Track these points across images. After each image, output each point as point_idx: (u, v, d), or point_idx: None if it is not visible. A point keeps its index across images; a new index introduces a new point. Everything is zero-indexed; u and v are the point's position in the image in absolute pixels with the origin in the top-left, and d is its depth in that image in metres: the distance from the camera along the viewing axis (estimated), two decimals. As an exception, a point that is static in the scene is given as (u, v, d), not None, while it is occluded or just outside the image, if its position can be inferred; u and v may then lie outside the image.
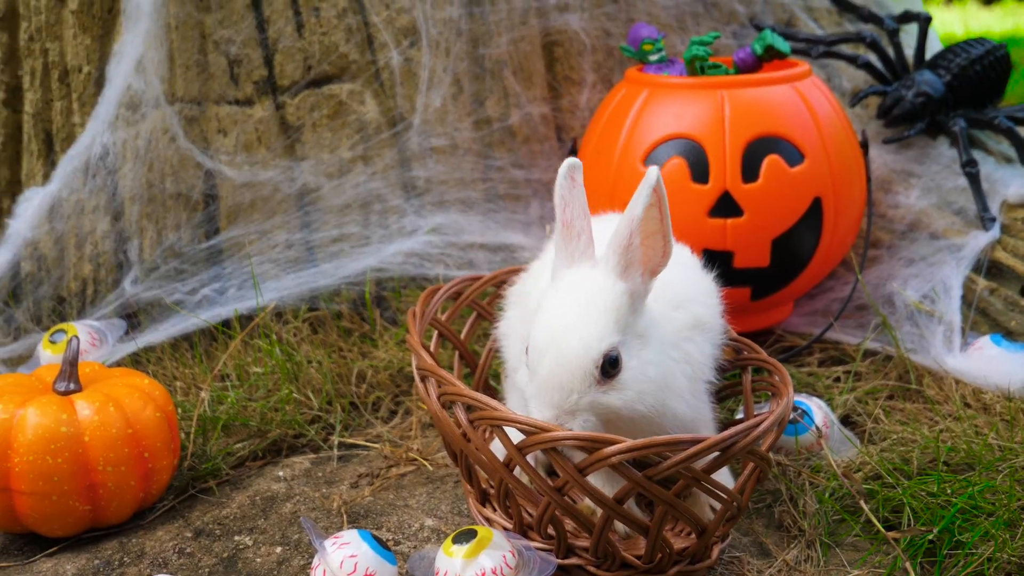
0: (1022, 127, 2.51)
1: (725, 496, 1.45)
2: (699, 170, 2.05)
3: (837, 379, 2.15)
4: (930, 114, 2.53)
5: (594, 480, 1.50)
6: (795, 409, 1.88)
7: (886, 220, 2.48)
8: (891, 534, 1.57)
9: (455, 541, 1.45)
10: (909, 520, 1.62)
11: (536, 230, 2.42)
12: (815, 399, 1.94)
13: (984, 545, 1.52)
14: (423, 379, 1.60)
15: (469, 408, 1.50)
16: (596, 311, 1.42)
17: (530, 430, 1.39)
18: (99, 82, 2.25)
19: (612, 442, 1.35)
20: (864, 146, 2.30)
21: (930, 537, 1.56)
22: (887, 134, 2.57)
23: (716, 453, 1.38)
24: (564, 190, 1.45)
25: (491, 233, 2.36)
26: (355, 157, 2.34)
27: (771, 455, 1.82)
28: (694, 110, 2.08)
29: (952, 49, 2.60)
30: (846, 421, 2.01)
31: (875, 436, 1.94)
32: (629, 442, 1.34)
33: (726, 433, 1.36)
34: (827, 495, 1.72)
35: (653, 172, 1.39)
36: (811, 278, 2.20)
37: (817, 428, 1.85)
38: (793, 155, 2.06)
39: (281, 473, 1.90)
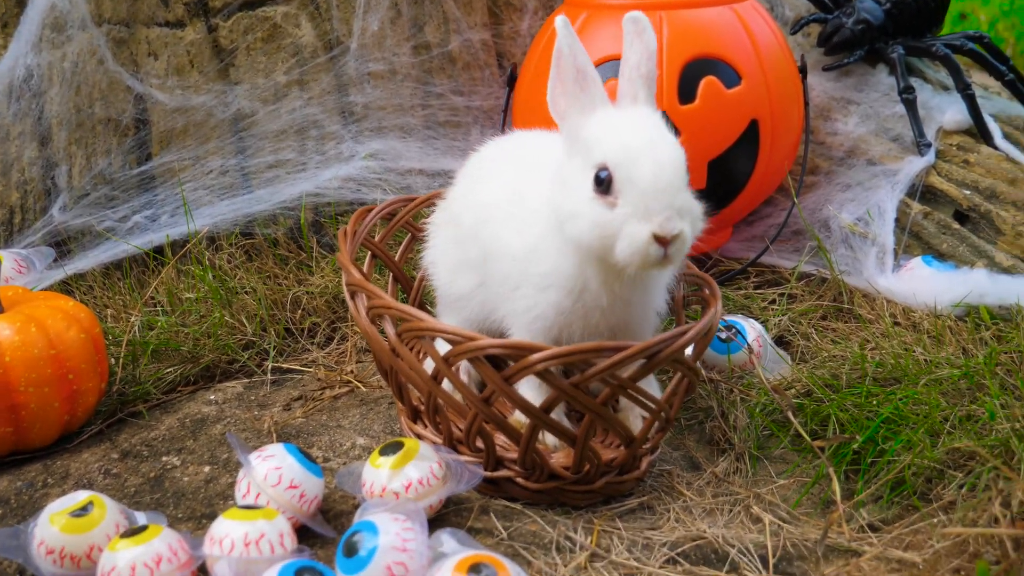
0: (959, 54, 2.52)
1: (653, 405, 1.45)
2: (635, 91, 2.03)
3: (773, 301, 2.16)
4: (869, 42, 2.53)
5: (527, 393, 1.50)
6: (729, 328, 1.89)
7: (824, 147, 2.48)
8: (817, 442, 1.58)
9: (382, 453, 1.45)
10: (835, 430, 1.64)
11: (475, 157, 2.40)
12: (750, 320, 1.95)
13: (906, 453, 1.54)
14: (352, 295, 1.59)
15: (399, 324, 1.49)
16: (666, 131, 1.43)
17: (456, 339, 1.39)
18: (21, 1, 2.18)
19: (537, 349, 1.34)
20: (803, 71, 2.30)
21: (855, 446, 1.58)
22: (828, 62, 2.57)
23: (642, 361, 1.38)
24: (569, 39, 1.40)
25: (430, 159, 2.33)
26: (291, 82, 2.29)
27: (700, 368, 1.85)
28: (631, 31, 2.05)
29: (893, -23, 2.60)
30: (780, 341, 2.03)
31: (807, 354, 1.95)
32: (554, 349, 1.34)
33: (651, 340, 1.36)
34: (757, 410, 1.74)
35: (642, 15, 1.46)
36: (748, 202, 2.20)
37: (749, 346, 1.86)
38: (730, 76, 2.05)
39: (213, 397, 1.88)
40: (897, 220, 2.25)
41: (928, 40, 2.53)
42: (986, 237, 2.22)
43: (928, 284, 2.04)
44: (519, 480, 1.51)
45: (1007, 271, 2.10)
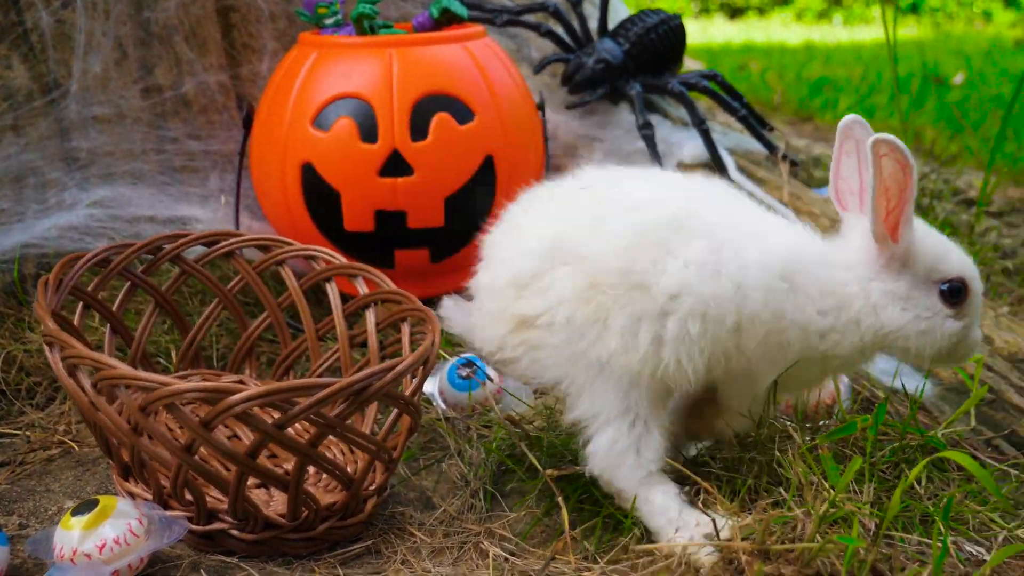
0: (695, 92, 2.61)
1: (369, 444, 1.40)
2: (368, 129, 2.00)
3: (519, 337, 2.15)
4: (610, 80, 2.59)
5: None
6: (469, 365, 1.86)
7: (572, 184, 2.51)
8: (548, 472, 1.56)
9: (74, 513, 1.34)
10: (571, 460, 1.62)
11: (214, 203, 2.31)
12: (492, 357, 1.93)
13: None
14: (50, 346, 1.47)
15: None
16: None
17: (151, 386, 1.30)
18: None
19: (235, 391, 1.27)
20: (541, 108, 2.32)
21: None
22: (572, 100, 2.61)
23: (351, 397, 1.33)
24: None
25: (163, 206, 2.22)
26: (4, 127, 2.14)
27: (438, 403, 1.81)
28: (362, 69, 2.03)
29: (630, 19, 2.68)
30: (524, 376, 2.01)
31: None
32: (253, 389, 1.27)
33: (359, 375, 1.31)
34: (494, 445, 1.71)
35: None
36: (492, 239, 2.19)
37: (490, 379, 1.84)
38: (463, 113, 2.04)
39: (-97, 471, 1.71)
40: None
41: (666, 78, 2.61)
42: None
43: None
44: (233, 532, 1.42)
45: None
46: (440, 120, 2.01)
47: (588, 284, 1.38)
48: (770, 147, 2.68)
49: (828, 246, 1.50)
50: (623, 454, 1.42)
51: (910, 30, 10.96)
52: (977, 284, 1.47)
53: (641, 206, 1.42)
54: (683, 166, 2.51)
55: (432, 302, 2.19)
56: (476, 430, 1.77)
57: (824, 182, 3.14)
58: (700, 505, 1.42)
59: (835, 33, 10.57)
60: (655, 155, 2.44)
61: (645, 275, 1.37)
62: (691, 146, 2.52)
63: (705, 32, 10.03)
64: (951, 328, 1.45)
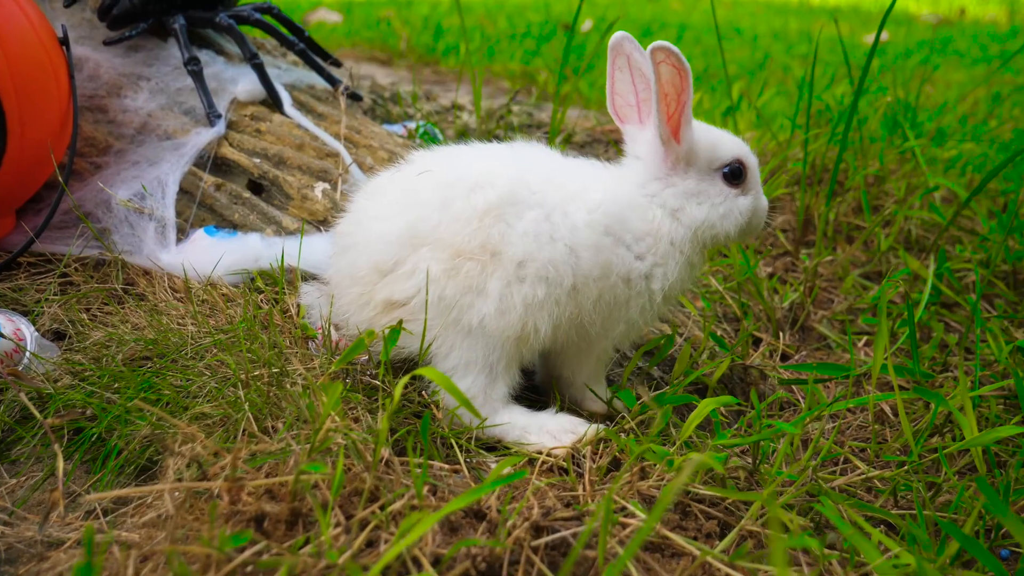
0: (247, 26, 2.52)
1: None
2: None
3: (57, 291, 1.99)
4: (153, 14, 2.45)
5: None
6: (-26, 324, 1.69)
7: (116, 124, 2.35)
8: (48, 421, 1.45)
9: None
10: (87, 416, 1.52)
11: None
12: (11, 313, 1.77)
13: (138, 429, 1.46)
14: None
15: None
16: None
17: None
18: None
19: None
20: (64, 42, 2.14)
21: (99, 431, 1.47)
22: (112, 36, 2.44)
23: None
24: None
25: None
26: None
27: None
28: None
29: (175, -52, 2.53)
30: (55, 332, 1.87)
31: (80, 342, 1.81)
32: None
33: None
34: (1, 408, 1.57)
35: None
36: (14, 186, 2.01)
37: (3, 337, 1.69)
38: (-44, 47, 1.84)
39: None
40: (190, 193, 2.19)
41: (217, 12, 2.50)
42: (278, 204, 2.23)
43: (208, 254, 1.99)
44: None
45: (293, 234, 2.11)
46: (-74, 56, 1.80)
47: (452, 256, 1.43)
48: (331, 81, 2.64)
49: (622, 172, 1.60)
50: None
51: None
52: (752, 160, 1.60)
53: (480, 185, 1.47)
54: (238, 103, 2.41)
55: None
56: (-17, 394, 1.62)
57: (401, 118, 3.17)
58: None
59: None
60: (204, 91, 2.33)
61: (498, 245, 1.44)
62: (246, 82, 2.43)
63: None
64: (743, 204, 1.58)
